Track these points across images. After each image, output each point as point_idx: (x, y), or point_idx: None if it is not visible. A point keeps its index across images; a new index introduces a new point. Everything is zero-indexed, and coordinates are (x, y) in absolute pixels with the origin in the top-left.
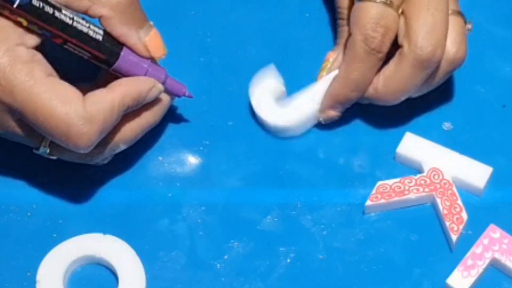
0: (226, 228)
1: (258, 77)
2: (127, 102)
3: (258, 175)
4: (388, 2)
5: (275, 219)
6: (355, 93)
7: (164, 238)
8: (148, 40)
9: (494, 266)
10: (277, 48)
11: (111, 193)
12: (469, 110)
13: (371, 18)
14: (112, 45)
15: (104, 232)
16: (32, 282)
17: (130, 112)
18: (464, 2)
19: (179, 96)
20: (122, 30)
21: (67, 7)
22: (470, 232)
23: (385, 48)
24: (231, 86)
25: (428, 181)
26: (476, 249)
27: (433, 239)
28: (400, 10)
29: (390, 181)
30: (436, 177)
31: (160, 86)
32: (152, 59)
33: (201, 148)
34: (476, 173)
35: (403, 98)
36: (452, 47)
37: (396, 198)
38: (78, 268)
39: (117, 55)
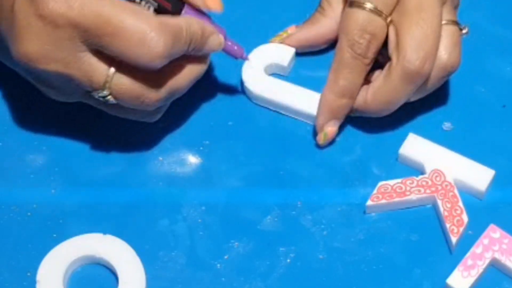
0: (226, 228)
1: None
2: (192, 32)
3: (258, 175)
4: (376, 10)
5: (275, 219)
6: (345, 99)
7: (164, 238)
8: None
9: (494, 266)
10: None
11: (111, 193)
12: (469, 110)
13: (358, 24)
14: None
15: (104, 232)
16: (32, 282)
17: (183, 59)
18: (464, 2)
19: (236, 58)
20: None
21: None
22: (470, 232)
23: (371, 54)
24: (231, 86)
25: (430, 183)
26: (476, 249)
27: (433, 240)
28: (389, 19)
29: (391, 182)
30: (438, 178)
31: (221, 38)
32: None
33: (201, 148)
34: (478, 176)
35: (392, 109)
36: (444, 53)
37: (397, 199)
38: (78, 268)
39: (179, 10)
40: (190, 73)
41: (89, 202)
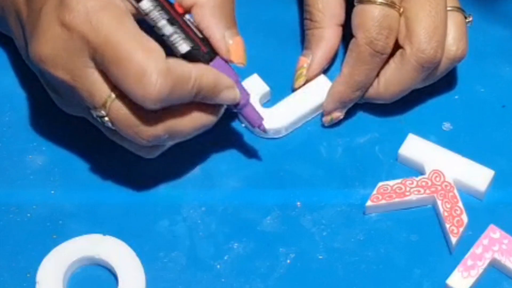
0: (226, 229)
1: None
2: (203, 83)
3: (258, 175)
4: (390, 2)
5: (275, 220)
6: (358, 92)
7: (164, 239)
8: (233, 43)
9: (494, 267)
10: (277, 48)
11: (111, 193)
12: (469, 110)
13: (375, 20)
14: (209, 50)
15: (104, 233)
16: (32, 283)
17: (192, 105)
18: (464, 2)
19: (253, 126)
20: (210, 22)
21: None
22: (470, 232)
23: (389, 49)
24: None
25: (430, 183)
26: (476, 249)
27: (433, 240)
28: (401, 10)
29: (391, 182)
30: (437, 179)
31: (237, 92)
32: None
33: (201, 149)
34: (478, 176)
35: (401, 96)
36: (453, 45)
37: (397, 199)
38: (78, 269)
39: (211, 59)
40: (194, 120)
41: (88, 203)
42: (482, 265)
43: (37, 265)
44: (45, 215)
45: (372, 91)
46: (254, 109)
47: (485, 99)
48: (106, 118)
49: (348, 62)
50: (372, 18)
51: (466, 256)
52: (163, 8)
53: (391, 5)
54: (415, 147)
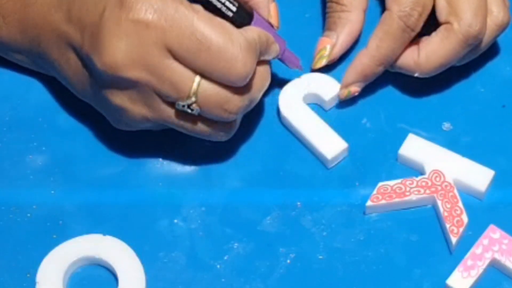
0: (226, 229)
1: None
2: (262, 41)
3: (258, 175)
4: None
5: (275, 220)
6: (381, 67)
7: (164, 239)
8: (273, 6)
9: (494, 267)
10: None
11: (111, 193)
12: (469, 110)
13: None
14: (244, 16)
15: (104, 233)
16: (32, 283)
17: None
18: None
19: (291, 67)
20: None
21: None
22: (470, 232)
23: (419, 27)
24: None
25: (430, 183)
26: (476, 249)
27: (433, 240)
28: None
29: (391, 182)
30: (437, 179)
31: (277, 47)
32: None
33: (201, 149)
34: (478, 176)
35: (441, 70)
36: (498, 12)
37: (397, 199)
38: (78, 269)
39: (251, 18)
40: (262, 81)
41: (89, 203)
42: (482, 265)
43: (37, 265)
44: (45, 215)
45: (411, 62)
46: (291, 53)
47: (485, 99)
48: (195, 105)
49: (376, 35)
50: None
51: (466, 256)
52: None
53: None
54: (415, 147)
